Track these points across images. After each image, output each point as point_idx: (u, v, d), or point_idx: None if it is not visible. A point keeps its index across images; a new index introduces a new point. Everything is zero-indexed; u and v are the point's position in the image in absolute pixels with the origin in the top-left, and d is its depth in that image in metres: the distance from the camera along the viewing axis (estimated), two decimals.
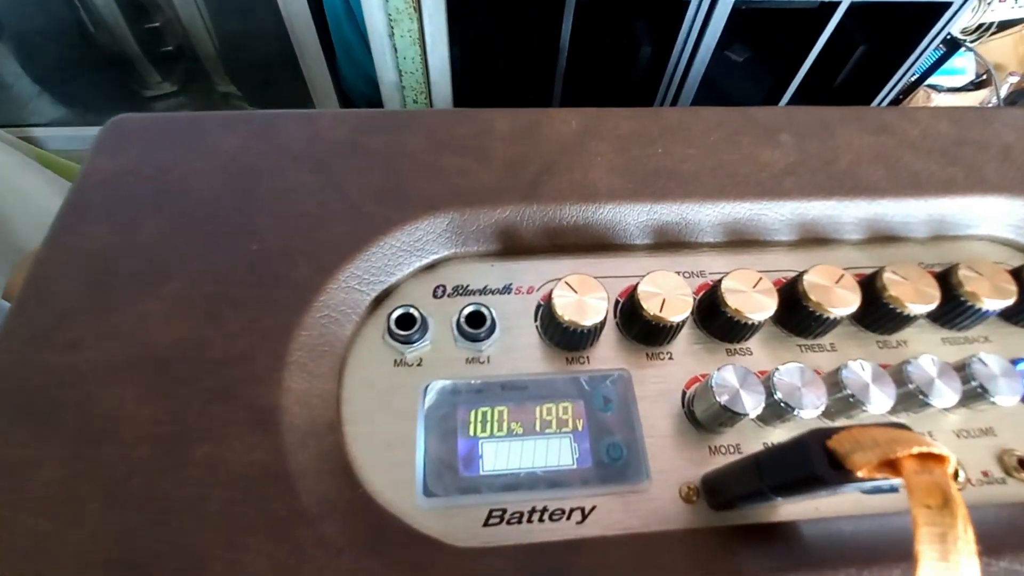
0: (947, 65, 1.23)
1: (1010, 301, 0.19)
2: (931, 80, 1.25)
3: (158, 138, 0.22)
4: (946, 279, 0.20)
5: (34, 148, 0.78)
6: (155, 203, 0.20)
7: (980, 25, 1.28)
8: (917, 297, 0.19)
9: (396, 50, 1.07)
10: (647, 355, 0.20)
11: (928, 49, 0.97)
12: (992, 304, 0.19)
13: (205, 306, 0.17)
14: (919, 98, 1.26)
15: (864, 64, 1.08)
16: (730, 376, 0.17)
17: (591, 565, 0.15)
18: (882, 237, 0.23)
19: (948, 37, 1.21)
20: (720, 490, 0.16)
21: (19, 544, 0.14)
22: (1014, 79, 1.28)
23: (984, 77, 1.28)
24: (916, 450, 0.10)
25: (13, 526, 0.14)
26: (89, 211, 0.20)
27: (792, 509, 0.17)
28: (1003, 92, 1.28)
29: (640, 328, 0.19)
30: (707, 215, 0.21)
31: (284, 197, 0.21)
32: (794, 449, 0.12)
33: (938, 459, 0.11)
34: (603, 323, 0.19)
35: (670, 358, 0.20)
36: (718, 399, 0.17)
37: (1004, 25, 1.26)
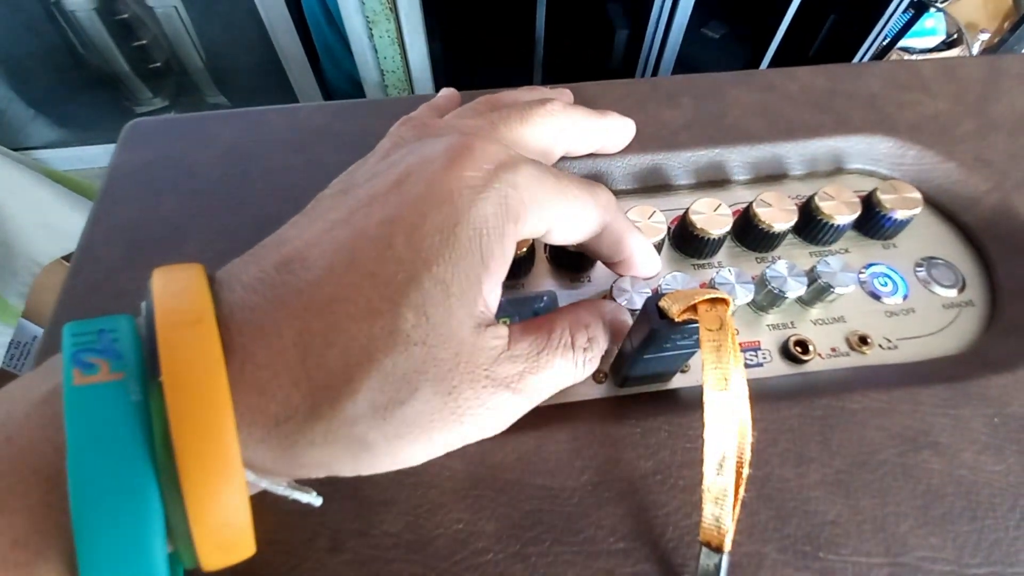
0: (917, 27, 1.26)
1: (855, 216, 0.24)
2: (903, 43, 1.28)
3: (169, 135, 0.27)
4: (808, 204, 0.25)
5: (41, 166, 0.83)
6: (171, 186, 0.25)
7: None
8: (780, 217, 0.24)
9: (376, 50, 1.11)
10: (570, 279, 0.25)
11: (896, 12, 1.01)
12: (842, 219, 0.24)
13: (215, 259, 0.22)
14: None
15: (836, 32, 1.12)
16: (627, 284, 0.22)
17: (528, 421, 0.20)
18: (765, 177, 0.28)
19: None
20: (617, 369, 0.21)
21: None
22: (985, 36, 1.31)
23: (955, 36, 1.31)
24: (707, 296, 0.15)
25: None
26: (119, 196, 0.25)
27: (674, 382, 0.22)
28: (975, 50, 1.30)
29: (563, 256, 0.24)
30: (616, 166, 0.26)
31: (274, 174, 0.26)
32: (642, 313, 0.17)
33: (722, 301, 0.16)
34: (531, 254, 0.24)
35: (589, 281, 0.25)
36: (617, 302, 0.22)
37: None
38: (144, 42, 1.21)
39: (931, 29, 1.26)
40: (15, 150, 1.05)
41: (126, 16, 1.18)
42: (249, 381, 0.13)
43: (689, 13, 0.94)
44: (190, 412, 0.11)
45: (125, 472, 0.11)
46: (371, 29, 1.02)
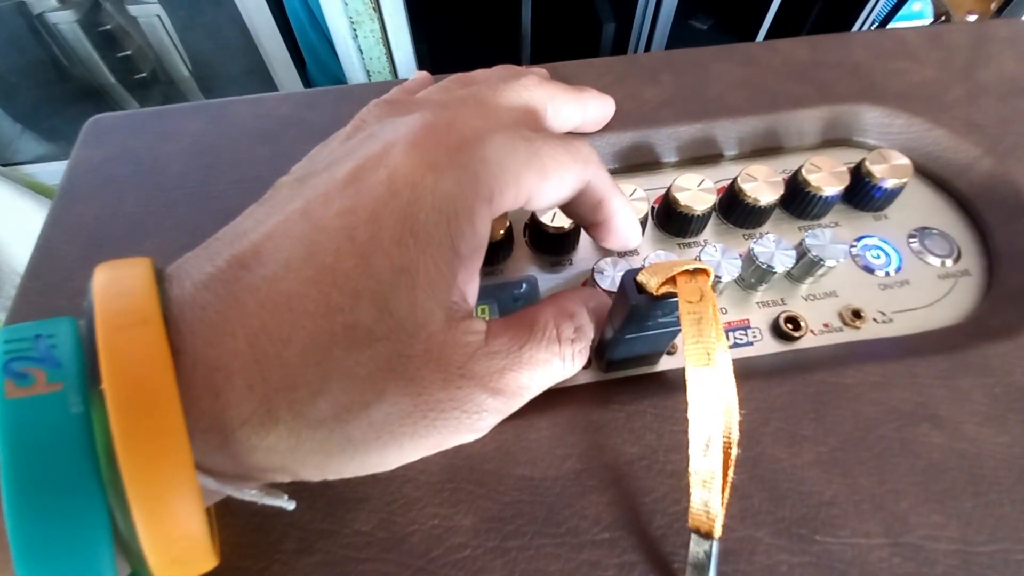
0: (904, 10, 1.26)
1: (843, 187, 0.23)
2: (891, 26, 1.27)
3: (132, 129, 0.26)
4: (795, 177, 0.24)
5: (26, 178, 0.82)
6: (133, 181, 0.24)
7: None
8: (766, 191, 0.23)
9: (361, 51, 1.10)
10: (551, 263, 0.24)
11: None
12: (831, 191, 0.23)
13: (179, 255, 0.21)
14: None
15: (824, 17, 1.11)
16: (607, 265, 0.21)
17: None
18: (749, 152, 0.27)
19: None
20: (600, 353, 0.20)
21: None
22: (973, 18, 1.31)
23: (943, 19, 1.30)
24: (686, 267, 0.15)
25: None
26: (79, 193, 0.24)
27: (661, 364, 0.21)
28: None
29: (543, 239, 0.23)
30: (597, 145, 0.25)
31: (240, 166, 0.25)
32: (620, 289, 0.16)
33: (702, 272, 0.15)
34: (509, 239, 0.23)
35: (570, 264, 0.24)
36: (598, 283, 0.21)
37: None
38: (129, 52, 1.20)
39: (919, 12, 1.25)
40: (3, 166, 1.04)
41: (109, 27, 1.17)
42: (201, 384, 0.12)
43: (676, 5, 0.94)
44: (135, 420, 0.11)
45: (67, 491, 0.10)
46: (355, 30, 1.01)
